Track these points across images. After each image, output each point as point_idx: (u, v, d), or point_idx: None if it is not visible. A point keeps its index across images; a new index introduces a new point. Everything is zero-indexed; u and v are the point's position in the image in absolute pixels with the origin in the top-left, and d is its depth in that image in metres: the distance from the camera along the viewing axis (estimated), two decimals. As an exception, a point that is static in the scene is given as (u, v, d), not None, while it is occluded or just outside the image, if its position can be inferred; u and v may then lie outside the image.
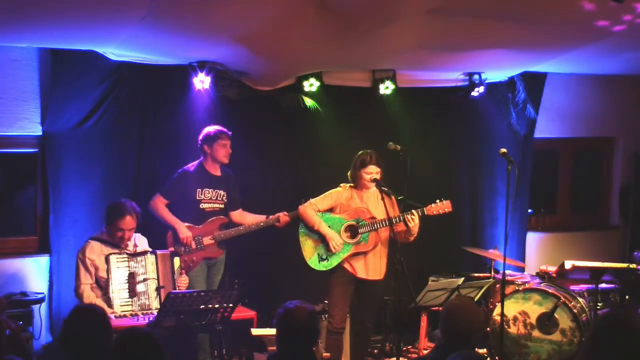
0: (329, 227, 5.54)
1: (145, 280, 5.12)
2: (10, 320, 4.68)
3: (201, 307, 4.55)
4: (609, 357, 3.08)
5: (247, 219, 5.96)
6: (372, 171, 5.49)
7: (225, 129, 5.85)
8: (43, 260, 6.10)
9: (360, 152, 5.59)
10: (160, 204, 5.74)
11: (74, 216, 6.05)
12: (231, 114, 6.39)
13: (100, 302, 4.99)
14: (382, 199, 5.36)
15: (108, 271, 5.06)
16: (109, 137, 6.15)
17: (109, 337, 3.40)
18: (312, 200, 5.63)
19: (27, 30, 5.39)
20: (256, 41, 5.66)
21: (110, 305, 5.00)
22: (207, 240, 5.77)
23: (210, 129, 5.84)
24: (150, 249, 5.34)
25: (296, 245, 5.64)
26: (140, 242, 5.43)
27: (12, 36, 5.56)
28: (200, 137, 5.84)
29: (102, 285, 5.15)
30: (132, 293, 5.08)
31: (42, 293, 5.96)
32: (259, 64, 6.21)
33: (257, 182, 6.68)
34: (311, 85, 6.64)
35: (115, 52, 5.95)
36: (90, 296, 5.12)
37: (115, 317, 4.83)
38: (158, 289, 5.12)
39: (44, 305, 5.95)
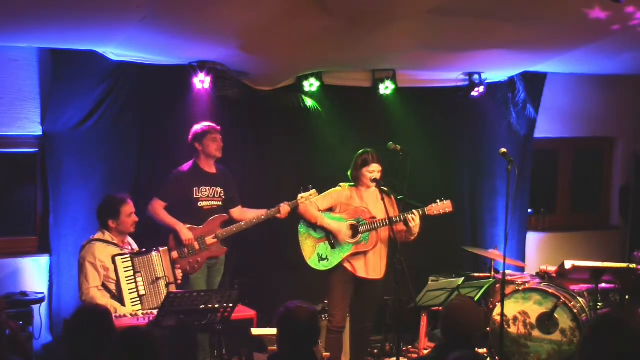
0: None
1: (156, 279, 5.15)
2: (10, 320, 4.67)
3: (201, 307, 4.55)
4: (606, 357, 3.09)
5: (247, 215, 5.92)
6: (375, 169, 5.50)
7: (213, 124, 5.83)
8: (43, 260, 6.09)
9: (360, 151, 5.59)
10: (159, 208, 5.72)
11: (74, 216, 6.05)
12: (231, 114, 6.39)
13: (113, 303, 5.00)
14: (382, 198, 5.37)
15: (116, 272, 5.05)
16: (109, 137, 6.15)
17: (112, 337, 3.41)
18: (312, 198, 5.63)
19: (27, 30, 5.39)
20: (256, 41, 5.66)
21: (123, 305, 5.02)
22: (209, 240, 5.75)
23: (198, 126, 5.83)
24: (144, 249, 5.33)
25: (296, 245, 5.64)
26: (131, 241, 5.44)
27: (12, 36, 5.56)
28: (190, 136, 5.82)
29: (109, 287, 5.14)
30: (141, 292, 5.09)
31: (42, 293, 5.96)
32: (258, 64, 6.21)
33: (257, 182, 6.69)
34: (311, 85, 6.65)
35: (115, 52, 5.95)
36: (105, 297, 5.08)
37: (116, 317, 4.82)
38: (168, 286, 5.16)
39: (44, 305, 5.95)
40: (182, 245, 5.65)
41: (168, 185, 5.79)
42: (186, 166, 5.85)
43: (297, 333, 3.65)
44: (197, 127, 5.83)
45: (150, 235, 5.69)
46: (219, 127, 5.84)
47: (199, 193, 5.78)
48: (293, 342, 3.67)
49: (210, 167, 5.86)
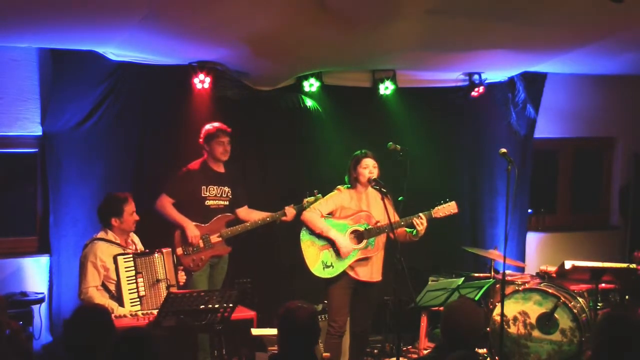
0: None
1: (157, 281, 5.15)
2: (10, 320, 4.67)
3: (201, 307, 4.55)
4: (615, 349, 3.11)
5: (253, 216, 5.96)
6: (369, 164, 5.42)
7: (224, 126, 5.85)
8: (43, 260, 6.10)
9: (353, 154, 5.55)
10: (167, 204, 5.75)
11: (74, 216, 6.06)
12: (231, 114, 6.39)
13: (110, 303, 4.99)
14: (382, 199, 5.33)
15: (117, 272, 5.05)
16: (109, 137, 6.16)
17: (112, 336, 3.41)
18: (314, 205, 5.57)
19: (27, 30, 5.39)
20: (256, 41, 5.66)
21: (122, 305, 5.01)
22: (214, 238, 5.78)
23: (210, 126, 5.86)
24: (147, 249, 5.33)
25: (296, 245, 5.60)
26: (136, 240, 5.43)
27: (12, 36, 5.56)
28: (201, 134, 5.86)
29: (109, 287, 5.13)
30: (141, 293, 5.09)
31: (42, 293, 5.96)
32: (259, 64, 6.22)
33: (257, 182, 6.70)
34: (311, 85, 6.65)
35: (115, 52, 5.95)
36: (103, 297, 5.08)
37: (115, 317, 4.82)
38: (168, 288, 5.15)
39: (44, 305, 5.95)
40: (188, 242, 5.67)
41: (177, 182, 5.81)
42: (196, 164, 5.88)
43: (297, 333, 3.65)
44: (208, 127, 5.86)
45: (154, 234, 5.69)
46: (229, 130, 5.86)
47: (206, 192, 5.80)
48: (293, 342, 3.66)
49: (219, 167, 5.90)
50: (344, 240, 5.42)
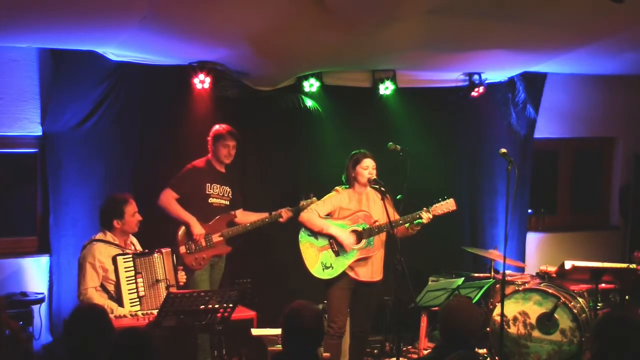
0: None
1: (157, 281, 5.14)
2: (10, 320, 4.67)
3: (201, 307, 4.55)
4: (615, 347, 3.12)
5: (248, 218, 5.99)
6: (368, 165, 5.42)
7: (233, 130, 5.87)
8: (43, 260, 6.10)
9: (351, 153, 5.56)
10: (171, 199, 5.76)
11: (74, 216, 6.06)
12: (231, 114, 6.39)
13: (110, 303, 4.98)
14: (382, 199, 5.33)
15: (117, 272, 5.04)
16: (109, 137, 6.16)
17: (111, 336, 3.41)
18: (311, 206, 5.57)
19: (27, 30, 5.39)
20: (256, 41, 5.66)
21: (121, 305, 5.00)
22: (216, 238, 5.80)
23: (219, 127, 5.90)
24: (147, 249, 5.32)
25: (296, 245, 5.60)
26: (134, 242, 5.43)
27: (12, 36, 5.56)
28: (210, 133, 5.89)
29: (108, 288, 5.13)
30: (141, 293, 5.08)
31: (42, 293, 5.96)
32: (259, 64, 6.22)
33: (257, 182, 6.70)
34: (311, 85, 6.65)
35: (115, 52, 5.95)
36: (102, 297, 5.06)
37: (115, 317, 4.81)
38: (168, 288, 5.14)
39: (44, 305, 5.95)
40: (192, 240, 5.68)
41: (183, 177, 5.83)
42: (201, 162, 5.91)
43: (302, 333, 3.63)
44: (217, 127, 5.89)
45: (153, 234, 5.68)
46: (237, 135, 5.88)
47: (210, 189, 5.84)
48: (298, 342, 3.65)
49: (221, 167, 5.94)
50: (345, 235, 5.42)
